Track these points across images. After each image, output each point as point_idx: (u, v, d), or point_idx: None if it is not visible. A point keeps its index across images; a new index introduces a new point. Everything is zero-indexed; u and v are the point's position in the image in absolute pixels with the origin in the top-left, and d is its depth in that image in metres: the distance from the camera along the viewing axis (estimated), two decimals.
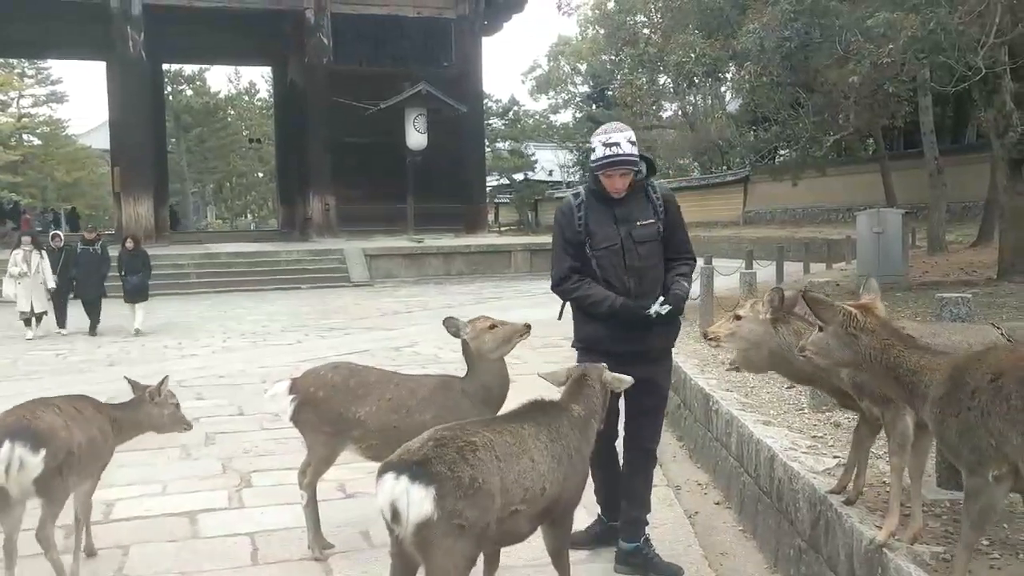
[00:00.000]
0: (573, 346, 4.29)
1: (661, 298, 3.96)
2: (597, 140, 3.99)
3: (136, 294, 13.96)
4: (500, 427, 3.22)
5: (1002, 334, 3.70)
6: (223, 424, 7.28)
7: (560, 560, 3.54)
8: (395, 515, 2.84)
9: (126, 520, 4.97)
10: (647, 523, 4.26)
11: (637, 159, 3.99)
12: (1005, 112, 12.60)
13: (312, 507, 4.33)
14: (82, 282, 14.13)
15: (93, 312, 14.00)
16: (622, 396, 4.01)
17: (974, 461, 2.71)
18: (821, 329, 3.12)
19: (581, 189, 4.22)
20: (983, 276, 14.09)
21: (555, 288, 4.21)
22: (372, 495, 5.24)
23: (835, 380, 3.59)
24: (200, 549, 4.53)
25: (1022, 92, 12.76)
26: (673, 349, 4.47)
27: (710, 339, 3.85)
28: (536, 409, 3.47)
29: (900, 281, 13.20)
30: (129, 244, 14.57)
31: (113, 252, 14.86)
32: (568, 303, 4.25)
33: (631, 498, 4.23)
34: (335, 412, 4.16)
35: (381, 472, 2.94)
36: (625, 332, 4.01)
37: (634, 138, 3.98)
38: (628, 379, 3.75)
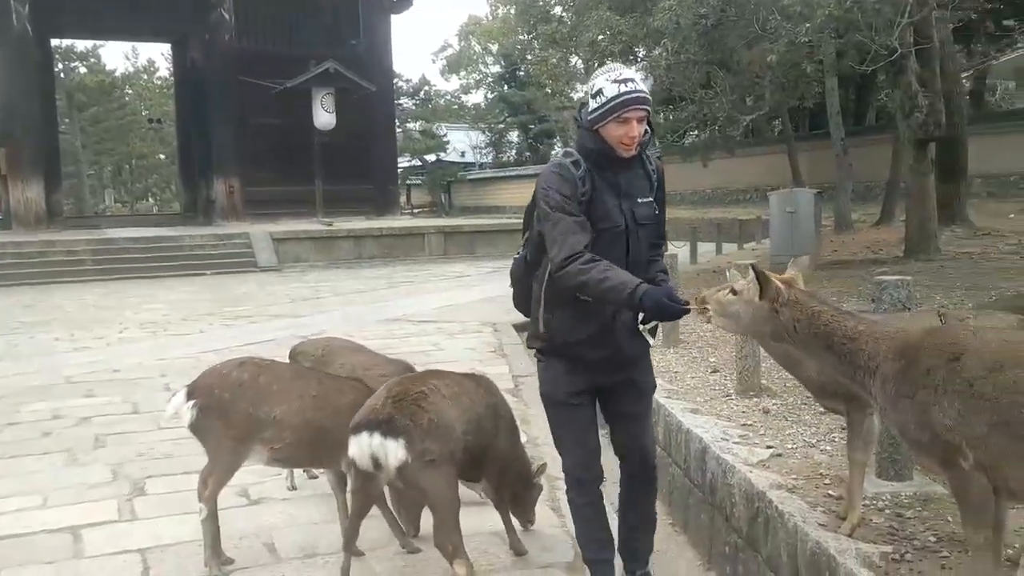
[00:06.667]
0: (530, 345, 3.50)
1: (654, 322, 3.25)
2: (603, 79, 3.12)
3: None
4: (444, 376, 3.76)
5: (941, 318, 3.55)
6: (115, 424, 6.70)
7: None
8: (376, 464, 3.30)
9: None
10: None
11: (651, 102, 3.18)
12: (911, 93, 12.80)
13: (212, 521, 3.91)
14: None
15: None
16: (598, 403, 3.45)
17: (938, 450, 2.49)
18: (734, 292, 2.98)
19: (573, 150, 3.24)
20: (891, 254, 14.38)
21: (560, 269, 3.08)
22: (277, 500, 4.94)
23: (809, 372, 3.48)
24: (83, 570, 4.06)
25: (927, 74, 12.98)
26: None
27: (700, 308, 3.10)
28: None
29: (812, 260, 13.35)
30: None
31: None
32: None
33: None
34: (243, 413, 3.78)
35: (354, 431, 3.33)
36: (606, 335, 3.25)
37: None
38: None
